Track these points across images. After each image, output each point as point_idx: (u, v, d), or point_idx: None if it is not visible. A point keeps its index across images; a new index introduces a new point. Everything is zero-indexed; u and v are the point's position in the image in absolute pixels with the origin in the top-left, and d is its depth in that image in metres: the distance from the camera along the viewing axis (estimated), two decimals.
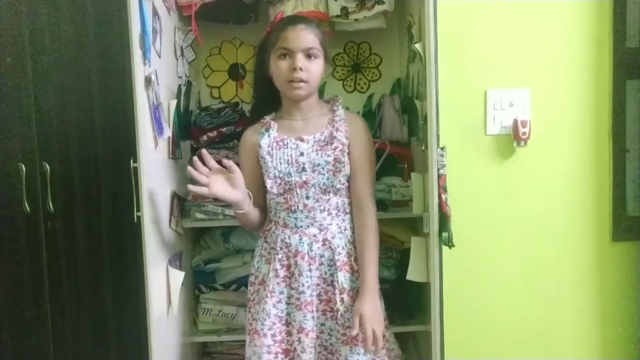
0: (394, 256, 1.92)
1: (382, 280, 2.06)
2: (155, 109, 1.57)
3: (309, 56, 1.47)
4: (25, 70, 2.02)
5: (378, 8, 1.87)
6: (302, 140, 1.52)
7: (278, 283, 1.54)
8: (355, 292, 1.52)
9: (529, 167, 1.96)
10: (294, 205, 1.52)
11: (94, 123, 2.07)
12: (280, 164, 1.51)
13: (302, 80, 1.46)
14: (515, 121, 1.90)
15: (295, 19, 1.54)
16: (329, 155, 1.49)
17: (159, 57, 1.64)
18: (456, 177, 1.87)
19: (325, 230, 1.53)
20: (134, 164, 1.49)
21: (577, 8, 1.92)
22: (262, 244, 1.60)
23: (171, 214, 1.72)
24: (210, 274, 1.96)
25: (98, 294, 2.11)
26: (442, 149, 1.52)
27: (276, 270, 1.54)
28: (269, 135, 1.54)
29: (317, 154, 1.50)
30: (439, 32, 1.49)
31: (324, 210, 1.53)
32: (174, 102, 1.72)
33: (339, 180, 1.50)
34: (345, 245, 1.54)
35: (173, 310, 1.66)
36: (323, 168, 1.49)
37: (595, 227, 1.98)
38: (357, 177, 1.52)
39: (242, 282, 1.96)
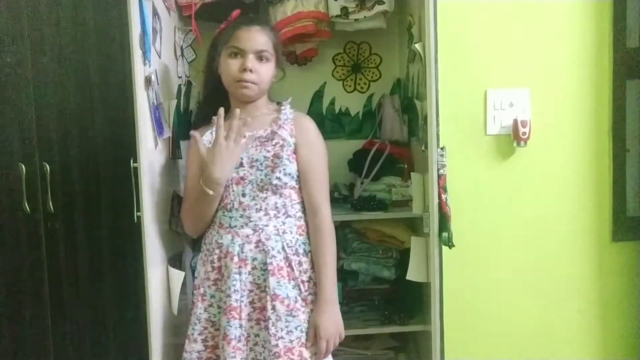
0: (394, 256, 1.92)
1: (382, 280, 2.06)
2: (155, 109, 1.57)
3: (260, 58, 1.44)
4: (25, 70, 2.02)
5: (378, 8, 1.87)
6: (243, 137, 1.44)
7: (209, 286, 1.48)
8: (294, 301, 1.42)
9: (529, 167, 1.96)
10: (230, 203, 1.45)
11: (94, 123, 2.07)
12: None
13: (251, 82, 1.43)
14: (515, 121, 1.90)
15: (251, 20, 1.50)
16: (268, 151, 1.44)
17: (159, 57, 1.64)
18: (456, 177, 1.87)
19: (260, 232, 1.44)
20: (134, 164, 1.49)
21: (577, 8, 1.92)
22: (202, 246, 1.55)
23: (171, 214, 1.72)
24: None
25: (98, 294, 2.11)
26: (442, 149, 1.52)
27: (207, 272, 1.49)
28: (211, 133, 1.49)
29: (255, 150, 1.45)
30: (439, 32, 1.49)
31: (261, 209, 1.44)
32: (174, 102, 1.72)
33: (277, 177, 1.43)
34: (283, 250, 1.44)
35: (173, 310, 1.66)
36: (261, 164, 1.44)
37: (595, 227, 1.98)
38: (307, 178, 1.46)
39: None
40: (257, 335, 1.43)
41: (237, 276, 1.42)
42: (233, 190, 1.44)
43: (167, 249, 1.67)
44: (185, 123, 1.94)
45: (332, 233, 1.46)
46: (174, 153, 1.74)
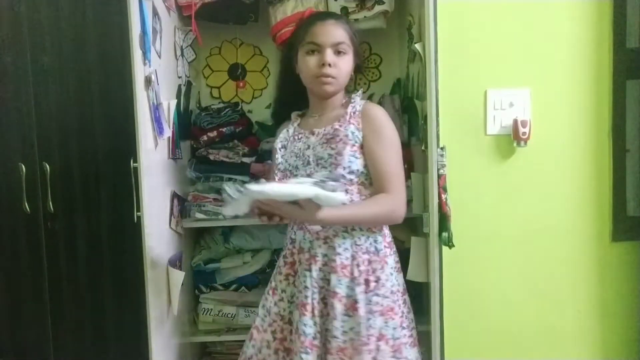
0: None
1: None
2: (155, 109, 1.57)
3: (338, 52, 1.44)
4: (25, 70, 2.02)
5: (378, 8, 1.87)
6: (313, 133, 1.48)
7: (280, 280, 1.51)
8: (352, 302, 1.40)
9: (529, 167, 1.96)
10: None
11: (94, 123, 2.07)
12: (290, 157, 1.49)
13: (330, 76, 1.43)
14: (515, 121, 1.90)
15: (325, 15, 1.53)
16: (332, 149, 1.42)
17: (159, 57, 1.64)
18: (456, 177, 1.87)
19: (329, 228, 1.44)
20: (134, 164, 1.50)
21: (577, 8, 1.92)
22: (285, 240, 1.57)
23: (171, 214, 1.72)
24: (210, 274, 1.96)
25: (98, 294, 2.11)
26: (442, 149, 1.52)
27: (280, 267, 1.52)
28: (287, 130, 1.54)
29: (321, 147, 1.44)
30: (439, 32, 1.49)
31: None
32: (174, 102, 1.72)
33: (341, 174, 1.41)
34: (351, 247, 1.43)
35: (173, 310, 1.66)
36: (325, 161, 1.42)
37: (595, 227, 1.98)
38: (375, 170, 1.43)
39: (242, 282, 1.96)
40: (327, 330, 1.43)
41: (307, 272, 1.44)
42: None
43: (167, 249, 1.67)
44: (186, 123, 1.94)
45: (386, 205, 1.40)
46: (174, 153, 1.74)
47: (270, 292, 1.52)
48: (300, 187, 1.24)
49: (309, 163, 1.45)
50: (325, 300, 1.43)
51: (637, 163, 1.96)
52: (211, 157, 1.93)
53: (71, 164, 2.07)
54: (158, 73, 1.59)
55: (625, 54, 1.92)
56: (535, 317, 2.00)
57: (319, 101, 1.52)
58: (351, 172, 1.43)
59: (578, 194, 1.97)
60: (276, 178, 1.48)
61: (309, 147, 1.46)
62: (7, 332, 2.07)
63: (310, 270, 1.44)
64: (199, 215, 1.83)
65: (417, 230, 1.75)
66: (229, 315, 1.96)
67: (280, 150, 1.51)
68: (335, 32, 1.44)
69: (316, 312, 1.43)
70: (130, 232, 2.00)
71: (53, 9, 2.02)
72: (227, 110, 1.97)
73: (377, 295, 1.41)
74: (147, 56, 1.51)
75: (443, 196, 1.52)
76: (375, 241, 1.45)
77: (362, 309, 1.39)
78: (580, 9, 1.92)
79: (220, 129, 1.94)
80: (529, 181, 1.96)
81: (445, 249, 1.54)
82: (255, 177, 1.95)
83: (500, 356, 2.01)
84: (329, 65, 1.42)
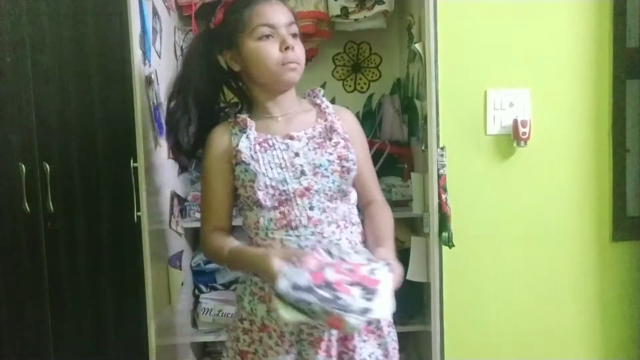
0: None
1: None
2: (155, 109, 1.57)
3: (293, 35, 1.22)
4: (25, 70, 2.02)
5: (378, 8, 1.87)
6: (291, 138, 1.23)
7: (285, 324, 1.18)
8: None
9: (529, 167, 1.96)
10: (295, 220, 1.19)
11: (94, 123, 2.07)
12: (271, 168, 1.19)
13: (295, 62, 1.20)
14: (515, 121, 1.90)
15: None
16: (330, 154, 1.21)
17: (159, 57, 1.64)
18: (456, 177, 1.86)
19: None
20: (134, 164, 1.50)
21: (577, 8, 1.92)
22: (250, 280, 1.26)
23: (171, 213, 1.72)
24: (210, 274, 1.96)
25: (98, 294, 2.11)
26: (442, 149, 1.52)
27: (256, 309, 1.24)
28: (247, 137, 1.22)
29: (316, 153, 1.21)
30: (439, 32, 1.49)
31: (332, 222, 1.21)
32: (174, 102, 1.72)
33: (348, 181, 1.23)
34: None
35: (173, 310, 1.66)
36: (326, 169, 1.20)
37: (595, 227, 1.98)
38: (363, 176, 1.29)
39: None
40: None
41: None
42: (297, 204, 1.18)
43: (167, 249, 1.67)
44: None
45: (391, 215, 1.31)
46: (174, 153, 1.74)
47: (279, 342, 1.21)
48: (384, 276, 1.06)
49: (303, 173, 1.19)
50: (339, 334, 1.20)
51: (637, 163, 1.96)
52: None
53: (71, 164, 2.07)
54: (158, 73, 1.59)
55: (625, 54, 1.92)
56: (535, 317, 2.00)
57: (275, 98, 1.26)
58: (352, 177, 1.25)
59: (578, 194, 1.97)
60: (261, 196, 1.17)
61: (296, 154, 1.21)
62: (7, 332, 2.07)
63: None
64: (199, 215, 1.83)
65: (417, 230, 1.75)
66: (229, 315, 1.96)
67: (250, 163, 1.19)
68: (285, 11, 1.22)
69: (333, 353, 1.19)
70: (130, 232, 2.00)
71: (53, 9, 2.02)
72: (227, 110, 1.97)
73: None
74: (147, 56, 1.51)
75: (443, 196, 1.52)
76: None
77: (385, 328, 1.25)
78: (580, 9, 1.92)
79: None
80: (529, 181, 1.96)
81: (445, 249, 1.54)
82: None
83: (500, 356, 2.01)
84: (292, 48, 1.19)
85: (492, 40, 1.93)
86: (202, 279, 1.97)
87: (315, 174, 1.20)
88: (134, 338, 2.03)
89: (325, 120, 1.27)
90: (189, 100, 1.30)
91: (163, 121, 1.63)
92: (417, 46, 1.56)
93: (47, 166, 2.03)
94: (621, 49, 1.92)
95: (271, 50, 1.19)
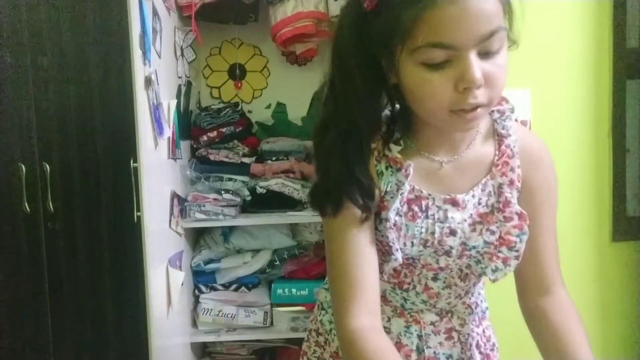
0: None
1: None
2: (155, 109, 1.57)
3: (487, 53, 0.70)
4: (25, 70, 2.02)
5: None
6: (454, 204, 0.82)
7: None
8: None
9: None
10: (408, 284, 0.89)
11: (94, 123, 2.07)
12: (412, 245, 0.83)
13: (480, 106, 0.71)
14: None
15: None
16: (492, 232, 0.83)
17: (159, 57, 1.64)
18: None
19: (449, 316, 0.93)
20: (134, 164, 1.50)
21: (577, 8, 1.92)
22: (316, 325, 1.01)
23: (171, 214, 1.72)
24: (210, 274, 1.96)
25: (98, 294, 2.11)
26: None
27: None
28: (400, 192, 0.80)
29: (474, 231, 0.83)
30: None
31: (452, 296, 0.91)
32: (174, 102, 1.72)
33: (495, 266, 0.86)
34: (484, 333, 1.01)
35: (173, 310, 1.66)
36: (478, 252, 0.85)
37: (595, 227, 1.98)
38: (539, 254, 0.93)
39: (242, 282, 1.96)
40: None
41: None
42: (420, 274, 0.88)
43: (167, 249, 1.67)
44: (186, 123, 1.94)
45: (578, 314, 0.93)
46: (173, 153, 1.74)
47: None
48: None
49: (447, 254, 0.84)
50: None
51: (637, 163, 1.96)
52: (211, 157, 1.93)
53: (71, 164, 2.07)
54: (158, 73, 1.59)
55: (625, 54, 1.92)
56: None
57: (445, 136, 0.82)
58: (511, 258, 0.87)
59: (578, 194, 1.97)
60: (385, 270, 0.85)
61: (452, 232, 0.82)
62: (7, 332, 2.07)
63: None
64: (199, 215, 1.83)
65: None
66: (229, 315, 1.96)
67: (391, 234, 0.81)
68: (487, 15, 0.68)
69: None
70: (130, 232, 2.00)
71: (53, 9, 2.02)
72: (227, 110, 1.97)
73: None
74: (147, 56, 1.51)
75: None
76: (482, 300, 1.03)
77: None
78: (580, 9, 1.92)
79: (220, 129, 1.94)
80: None
81: None
82: (255, 177, 1.95)
83: (500, 356, 2.01)
84: (479, 87, 0.70)
85: None
86: (202, 279, 1.97)
87: (460, 256, 0.85)
88: (134, 338, 2.04)
89: (504, 171, 0.83)
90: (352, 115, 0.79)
91: (163, 121, 1.63)
92: None
93: (47, 166, 2.03)
94: (621, 49, 1.92)
95: (441, 87, 0.70)
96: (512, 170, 0.83)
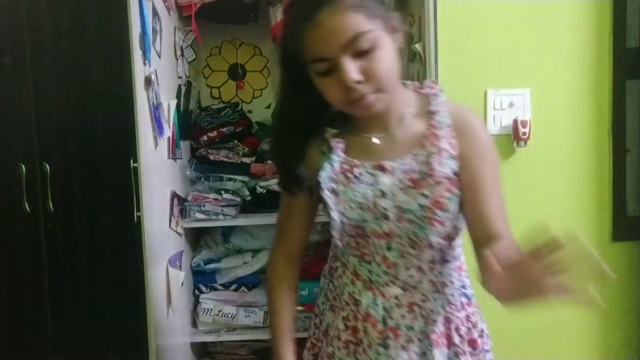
0: None
1: None
2: (155, 109, 1.57)
3: (359, 53, 0.88)
4: (25, 70, 2.02)
5: None
6: (382, 169, 0.98)
7: (339, 348, 1.06)
8: None
9: (529, 167, 1.96)
10: (369, 256, 1.03)
11: (94, 123, 2.07)
12: (351, 208, 0.98)
13: (365, 95, 0.90)
14: (515, 121, 1.90)
15: (312, 5, 0.88)
16: (425, 196, 0.95)
17: (159, 57, 1.64)
18: None
19: (413, 291, 1.03)
20: (134, 164, 1.50)
21: (577, 8, 1.92)
22: (328, 283, 1.13)
23: (171, 214, 1.72)
24: (210, 274, 1.96)
25: (98, 294, 2.11)
26: None
27: (339, 329, 1.07)
28: (331, 163, 1.00)
29: (406, 194, 0.96)
30: (439, 32, 1.49)
31: (412, 267, 1.02)
32: (174, 102, 1.73)
33: (437, 230, 0.96)
34: (443, 308, 1.05)
35: (173, 310, 1.66)
36: (415, 215, 0.96)
37: (595, 227, 1.98)
38: (477, 200, 0.97)
39: (242, 282, 1.96)
40: None
41: (381, 349, 1.03)
42: (374, 243, 1.01)
43: (167, 249, 1.67)
44: (186, 123, 1.94)
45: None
46: (173, 153, 1.74)
47: (325, 358, 1.09)
48: None
49: (386, 218, 0.97)
50: None
51: (637, 163, 1.96)
52: (211, 157, 1.93)
53: (71, 164, 2.07)
54: (158, 73, 1.59)
55: (625, 54, 1.92)
56: (535, 317, 2.00)
57: (366, 120, 1.00)
58: (449, 218, 0.98)
59: (578, 194, 1.97)
60: (336, 235, 1.02)
61: (383, 194, 0.97)
62: (7, 332, 2.07)
63: (387, 347, 1.03)
64: (199, 215, 1.83)
65: None
66: (229, 315, 1.96)
67: (329, 198, 1.00)
68: (341, 26, 0.87)
69: None
70: (130, 232, 2.00)
71: (53, 9, 2.02)
72: (227, 110, 1.98)
73: (486, 351, 1.15)
74: (147, 56, 1.51)
75: None
76: (464, 286, 1.10)
77: None
78: (580, 9, 1.92)
79: (220, 129, 1.94)
80: (529, 181, 1.96)
81: None
82: (255, 177, 1.95)
83: (500, 356, 2.00)
84: (357, 82, 0.88)
85: (492, 40, 1.93)
86: (202, 279, 1.97)
87: (399, 220, 0.96)
88: (134, 338, 2.04)
89: (433, 141, 0.96)
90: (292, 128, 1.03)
91: (163, 121, 1.63)
92: (417, 46, 1.56)
93: (47, 166, 2.03)
94: (621, 49, 1.92)
95: (332, 89, 0.91)
96: (441, 140, 0.96)
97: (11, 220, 2.05)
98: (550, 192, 1.97)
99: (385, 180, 0.98)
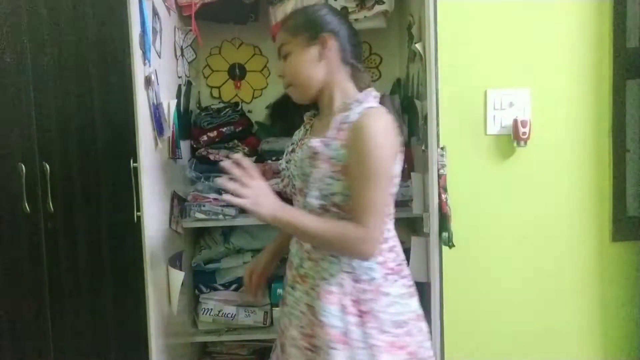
0: None
1: None
2: (155, 109, 1.57)
3: (283, 57, 1.31)
4: (25, 70, 2.02)
5: (378, 8, 1.87)
6: (302, 142, 1.33)
7: (285, 285, 1.42)
8: (341, 334, 1.21)
9: (529, 167, 1.96)
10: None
11: (94, 123, 2.07)
12: (292, 165, 1.33)
13: (287, 86, 1.33)
14: (515, 121, 1.90)
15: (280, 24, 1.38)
16: (312, 166, 1.24)
17: (159, 57, 1.64)
18: (456, 177, 1.87)
19: (298, 246, 1.33)
20: (134, 164, 1.50)
21: (577, 8, 1.92)
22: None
23: (171, 214, 1.72)
24: (210, 274, 1.96)
25: (98, 294, 2.11)
26: (442, 149, 1.52)
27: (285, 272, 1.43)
28: (299, 131, 1.42)
29: (302, 162, 1.27)
30: (439, 32, 1.49)
31: None
32: (174, 102, 1.72)
33: (315, 196, 1.24)
34: (337, 273, 1.24)
35: (173, 310, 1.66)
36: (307, 179, 1.26)
37: (595, 227, 1.98)
38: (352, 200, 1.21)
39: (242, 282, 1.96)
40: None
41: (290, 290, 1.33)
42: (297, 201, 1.33)
43: (167, 249, 1.67)
44: (185, 123, 1.94)
45: (353, 233, 1.17)
46: (174, 153, 1.74)
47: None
48: None
49: (294, 178, 1.31)
50: (312, 329, 1.25)
51: (637, 163, 1.97)
52: (211, 157, 1.93)
53: (71, 164, 2.07)
54: (158, 73, 1.59)
55: (625, 54, 1.92)
56: (536, 317, 2.00)
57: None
58: (325, 197, 1.23)
59: (578, 194, 1.97)
60: (281, 185, 1.40)
61: (294, 163, 1.31)
62: (7, 332, 2.07)
63: (294, 288, 1.31)
64: (199, 215, 1.83)
65: (417, 230, 1.75)
66: (229, 315, 1.96)
67: (287, 155, 1.37)
68: (277, 39, 1.34)
69: (301, 344, 1.26)
70: (130, 232, 2.00)
71: (53, 9, 2.02)
72: (227, 110, 1.97)
73: (373, 329, 1.22)
74: (147, 56, 1.51)
75: (443, 196, 1.52)
76: (371, 269, 1.24)
77: (354, 343, 1.20)
78: (580, 9, 1.92)
79: (220, 129, 1.94)
80: (529, 181, 1.96)
81: (445, 249, 1.54)
82: None
83: (500, 356, 2.01)
84: (280, 76, 1.33)
85: (492, 40, 1.93)
86: (202, 279, 1.97)
87: (299, 180, 1.29)
88: (134, 338, 2.04)
89: (334, 131, 1.23)
90: None
91: (163, 121, 1.63)
92: (417, 46, 1.57)
93: (47, 166, 2.03)
94: (621, 49, 1.92)
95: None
96: (339, 132, 1.22)
97: (11, 220, 2.05)
98: (550, 192, 1.97)
99: (298, 152, 1.29)
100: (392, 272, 1.27)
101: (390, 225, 1.30)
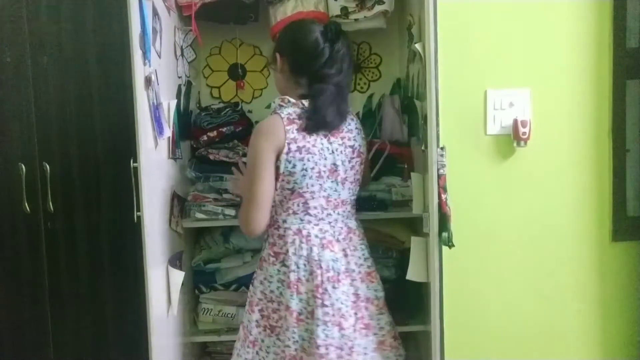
0: (394, 256, 1.92)
1: (382, 280, 2.06)
2: (155, 109, 1.57)
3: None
4: (25, 70, 2.02)
5: (378, 8, 1.87)
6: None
7: None
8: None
9: (529, 167, 1.96)
10: None
11: (94, 123, 2.07)
12: None
13: None
14: (515, 121, 1.90)
15: None
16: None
17: (159, 57, 1.64)
18: (456, 177, 1.86)
19: None
20: (134, 164, 1.50)
21: (577, 8, 1.92)
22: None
23: (171, 214, 1.72)
24: (210, 274, 1.96)
25: (98, 294, 2.11)
26: (442, 149, 1.52)
27: None
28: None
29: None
30: (439, 32, 1.49)
31: None
32: (174, 102, 1.72)
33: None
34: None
35: (173, 310, 1.66)
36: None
37: (595, 227, 1.98)
38: None
39: (242, 282, 1.96)
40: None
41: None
42: None
43: (167, 249, 1.67)
44: (185, 123, 1.94)
45: (240, 218, 1.53)
46: (174, 153, 1.74)
47: None
48: None
49: None
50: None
51: (637, 163, 1.96)
52: (211, 157, 1.93)
53: (71, 164, 2.07)
54: (158, 73, 1.59)
55: (625, 54, 1.92)
56: (536, 317, 2.00)
57: None
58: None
59: (578, 194, 1.97)
60: None
61: None
62: (7, 332, 2.07)
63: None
64: (199, 215, 1.83)
65: (417, 230, 1.75)
66: (229, 315, 1.96)
67: None
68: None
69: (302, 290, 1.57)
70: (130, 232, 2.00)
71: (53, 9, 2.02)
72: (227, 110, 1.97)
73: (255, 292, 1.59)
74: (147, 56, 1.51)
75: (443, 196, 1.52)
76: (266, 242, 1.60)
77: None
78: (580, 9, 1.92)
79: (220, 129, 1.94)
80: (529, 181, 1.96)
81: (445, 249, 1.54)
82: None
83: (500, 356, 2.01)
84: None
85: (492, 40, 1.93)
86: (202, 279, 1.97)
87: None
88: (134, 338, 2.04)
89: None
90: None
91: (163, 121, 1.63)
92: (417, 46, 1.56)
93: (47, 166, 2.03)
94: (621, 49, 1.92)
95: None
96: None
97: (11, 220, 2.05)
98: (550, 192, 1.97)
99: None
100: (273, 255, 1.55)
101: (286, 216, 1.52)
